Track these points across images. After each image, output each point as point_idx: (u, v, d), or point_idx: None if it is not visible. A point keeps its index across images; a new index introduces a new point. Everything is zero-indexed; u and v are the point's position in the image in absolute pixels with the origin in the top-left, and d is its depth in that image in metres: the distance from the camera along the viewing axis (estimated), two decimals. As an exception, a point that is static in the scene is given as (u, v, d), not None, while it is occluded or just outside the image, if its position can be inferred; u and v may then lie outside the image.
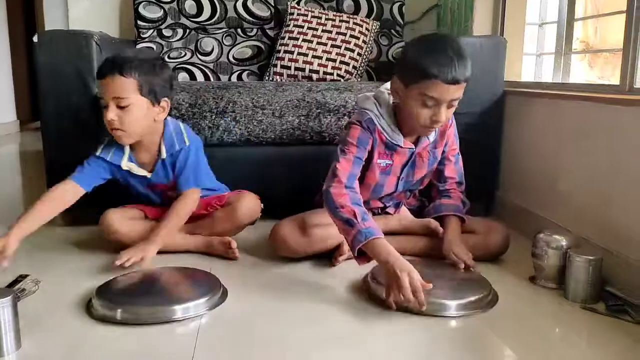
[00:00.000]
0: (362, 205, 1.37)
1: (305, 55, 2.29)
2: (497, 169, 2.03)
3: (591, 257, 1.28)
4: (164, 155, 1.58)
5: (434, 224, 1.57)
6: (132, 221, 1.60)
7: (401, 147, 1.50)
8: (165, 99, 1.54)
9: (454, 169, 1.63)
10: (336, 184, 1.38)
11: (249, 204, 1.65)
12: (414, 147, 1.52)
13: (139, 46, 2.37)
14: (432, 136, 1.54)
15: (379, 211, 1.65)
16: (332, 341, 1.13)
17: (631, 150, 1.36)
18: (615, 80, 1.59)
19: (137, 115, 1.48)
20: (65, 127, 1.79)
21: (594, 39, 2.16)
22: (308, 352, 1.08)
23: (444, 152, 1.60)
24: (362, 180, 1.50)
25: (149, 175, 1.60)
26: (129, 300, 1.24)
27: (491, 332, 1.17)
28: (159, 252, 1.56)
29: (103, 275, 1.39)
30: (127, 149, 1.58)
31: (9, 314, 1.03)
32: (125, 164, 1.58)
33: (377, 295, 1.28)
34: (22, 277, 1.39)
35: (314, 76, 2.27)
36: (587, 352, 1.11)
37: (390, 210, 1.65)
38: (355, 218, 1.30)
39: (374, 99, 1.52)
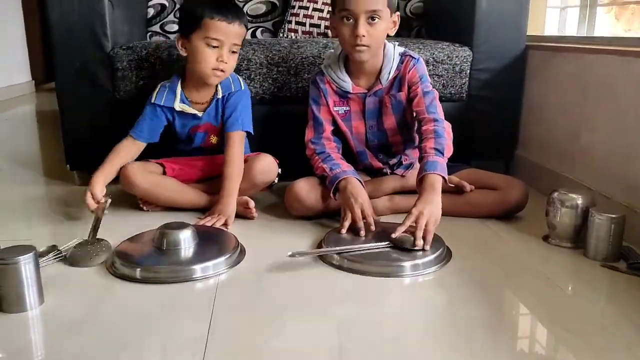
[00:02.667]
0: (333, 151, 1.55)
1: (321, 10, 2.23)
2: (518, 126, 1.99)
3: (613, 216, 1.26)
4: (220, 94, 1.63)
5: (455, 180, 1.55)
6: (152, 174, 1.60)
7: (351, 92, 1.55)
8: None
9: (422, 102, 1.52)
10: (307, 146, 1.58)
11: (265, 163, 1.64)
12: (366, 91, 1.55)
13: (151, 2, 2.32)
14: (384, 79, 1.54)
15: (388, 172, 1.64)
16: (347, 299, 1.13)
17: (659, 106, 1.32)
18: (643, 33, 1.52)
19: (236, 59, 1.60)
20: (78, 83, 1.78)
21: (622, -9, 2.07)
22: (325, 308, 1.09)
23: (409, 96, 1.56)
24: (338, 133, 1.61)
25: (200, 113, 1.64)
26: (148, 259, 1.25)
27: (509, 290, 1.17)
28: (174, 210, 1.60)
29: (122, 233, 1.40)
30: (179, 91, 1.63)
31: (31, 270, 1.05)
32: (178, 105, 1.62)
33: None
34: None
35: (329, 32, 2.22)
36: (606, 308, 1.10)
37: (399, 172, 1.63)
38: (325, 172, 1.49)
39: (330, 52, 1.62)
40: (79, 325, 1.01)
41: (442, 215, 1.35)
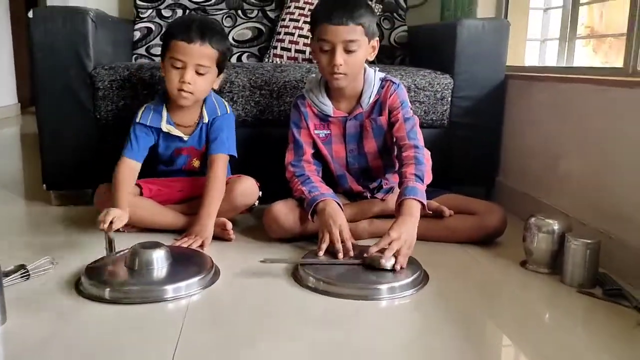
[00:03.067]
0: (313, 174, 1.54)
1: (306, 37, 2.25)
2: (498, 153, 2.00)
3: (589, 241, 1.26)
4: (206, 119, 1.63)
5: (434, 205, 1.55)
6: (128, 196, 1.56)
7: (331, 116, 1.57)
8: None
9: (403, 129, 1.52)
10: (287, 168, 1.57)
11: (246, 186, 1.63)
12: (346, 115, 1.56)
13: (137, 26, 2.34)
14: (365, 103, 1.55)
15: (368, 195, 1.64)
16: (321, 322, 1.11)
17: (632, 134, 1.33)
18: (619, 64, 1.55)
19: (209, 81, 1.58)
20: (59, 102, 1.77)
21: (599, 24, 2.12)
22: (298, 331, 1.06)
23: (390, 121, 1.56)
24: (319, 156, 1.61)
25: (185, 137, 1.64)
26: (118, 279, 1.23)
27: (485, 315, 1.15)
28: (151, 231, 1.57)
29: (94, 254, 1.37)
30: (164, 113, 1.62)
31: (-6, 288, 1.02)
32: (165, 126, 1.62)
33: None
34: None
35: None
36: (583, 336, 1.09)
37: (379, 195, 1.63)
38: (303, 194, 1.49)
39: (312, 76, 1.64)
40: (41, 346, 0.98)
41: (421, 239, 1.36)
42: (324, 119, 1.59)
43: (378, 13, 2.37)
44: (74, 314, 1.11)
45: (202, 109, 1.64)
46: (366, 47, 1.48)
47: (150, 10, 2.38)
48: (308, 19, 2.27)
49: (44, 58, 1.74)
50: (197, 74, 1.54)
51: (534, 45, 2.23)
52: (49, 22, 1.72)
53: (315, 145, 1.60)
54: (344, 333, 1.06)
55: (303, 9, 2.31)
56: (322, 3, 1.52)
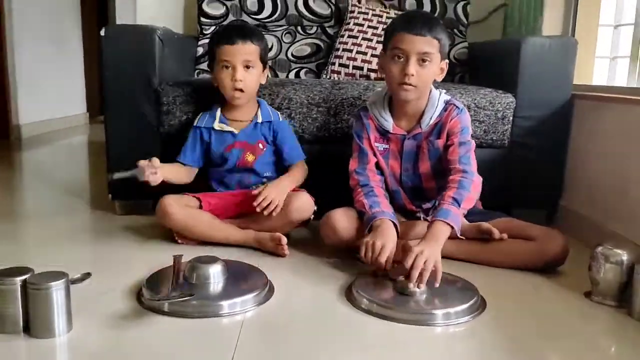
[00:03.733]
0: (377, 185, 1.55)
1: (364, 54, 2.26)
2: (562, 176, 1.93)
3: (661, 274, 1.19)
4: (259, 119, 1.74)
5: (485, 226, 1.51)
6: (188, 208, 1.62)
7: (391, 132, 1.57)
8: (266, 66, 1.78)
9: (457, 152, 1.50)
10: (351, 176, 1.59)
11: (302, 201, 1.64)
12: (405, 133, 1.56)
13: (200, 42, 2.41)
14: (425, 123, 1.54)
15: (421, 217, 1.61)
16: (374, 346, 1.09)
17: None
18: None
19: (257, 75, 1.71)
20: (126, 120, 1.85)
21: (675, 42, 2.01)
22: (350, 355, 1.05)
23: (446, 143, 1.54)
24: (378, 166, 1.61)
25: (236, 131, 1.72)
26: (177, 292, 1.24)
27: (544, 347, 1.11)
28: (211, 244, 1.60)
29: (154, 265, 1.41)
30: (218, 113, 1.75)
31: (61, 297, 1.07)
32: (217, 125, 1.73)
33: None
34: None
35: (372, 75, 2.24)
36: (652, 376, 1.03)
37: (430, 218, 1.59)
38: (364, 208, 1.48)
39: (377, 90, 1.66)
40: (102, 355, 1.02)
41: (473, 262, 1.38)
42: (383, 133, 1.59)
43: (438, 29, 2.34)
44: (134, 325, 1.15)
45: (257, 110, 1.75)
46: (438, 64, 1.48)
47: (213, 27, 2.44)
48: (366, 36, 2.31)
49: (114, 74, 1.82)
50: (246, 69, 1.67)
51: (603, 63, 2.15)
52: (120, 40, 1.81)
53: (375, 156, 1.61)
54: (397, 358, 1.04)
55: (362, 25, 2.32)
56: (401, 15, 1.57)
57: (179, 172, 1.71)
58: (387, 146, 1.60)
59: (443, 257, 1.31)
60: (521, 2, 2.30)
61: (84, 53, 5.16)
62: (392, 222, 1.44)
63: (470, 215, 1.58)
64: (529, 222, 1.56)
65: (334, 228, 1.51)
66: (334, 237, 1.53)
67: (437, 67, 1.49)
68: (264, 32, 2.43)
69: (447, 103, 1.56)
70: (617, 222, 1.60)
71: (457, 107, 1.55)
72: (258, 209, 1.58)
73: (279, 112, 1.80)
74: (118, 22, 2.81)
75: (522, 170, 1.87)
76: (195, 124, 1.75)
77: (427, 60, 1.45)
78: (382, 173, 1.62)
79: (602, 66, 2.16)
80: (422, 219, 1.62)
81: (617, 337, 1.17)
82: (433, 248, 1.29)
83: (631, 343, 1.14)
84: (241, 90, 1.67)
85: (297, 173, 1.73)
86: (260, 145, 1.74)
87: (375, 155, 1.60)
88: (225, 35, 1.69)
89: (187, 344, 1.08)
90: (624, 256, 1.27)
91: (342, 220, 1.52)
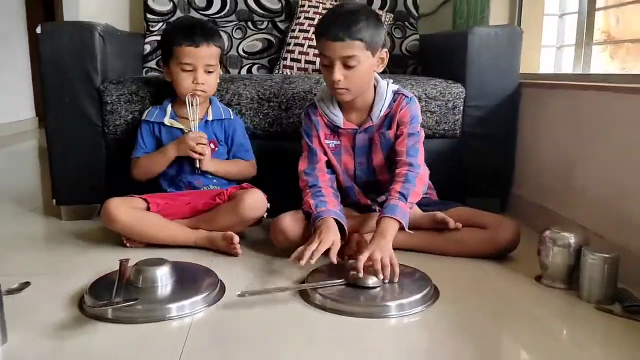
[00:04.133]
0: (326, 184, 1.52)
1: (316, 47, 2.23)
2: (513, 164, 1.95)
3: (607, 255, 1.20)
4: (210, 117, 1.71)
5: (440, 216, 1.51)
6: (134, 210, 1.57)
7: (341, 127, 1.55)
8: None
9: (405, 144, 1.50)
10: (300, 177, 1.55)
11: (254, 198, 1.60)
12: (356, 127, 1.54)
13: (147, 40, 2.34)
14: (375, 116, 1.53)
15: (376, 209, 1.60)
16: (328, 341, 1.07)
17: (652, 143, 1.28)
18: (637, 70, 1.50)
19: (217, 77, 1.70)
20: (68, 117, 1.77)
21: (616, 30, 2.06)
22: (303, 350, 1.03)
23: (397, 134, 1.54)
24: (329, 165, 1.59)
25: (186, 129, 1.66)
26: (121, 298, 1.19)
27: (498, 332, 1.11)
28: (160, 246, 1.54)
29: (99, 270, 1.35)
30: (169, 109, 1.71)
31: (-6, 307, 1.01)
32: (168, 121, 1.69)
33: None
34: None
35: (324, 69, 2.22)
36: (600, 354, 1.04)
37: None
38: (310, 208, 1.46)
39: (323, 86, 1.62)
40: (40, 366, 0.96)
41: (428, 252, 1.40)
42: (334, 129, 1.57)
43: (389, 22, 2.34)
44: (76, 334, 1.09)
45: (208, 107, 1.72)
46: (369, 61, 1.45)
47: (160, 24, 2.38)
48: (318, 30, 2.28)
49: (52, 73, 1.74)
50: (207, 72, 1.64)
51: (550, 52, 2.18)
52: (57, 38, 1.73)
53: (325, 155, 1.58)
54: (352, 352, 1.03)
55: (313, 19, 2.30)
56: (322, 18, 1.50)
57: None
58: (338, 142, 1.58)
59: (398, 248, 1.32)
60: (469, -6, 2.32)
61: (30, 56, 4.96)
62: (336, 219, 1.42)
63: (425, 205, 1.58)
64: (482, 210, 1.57)
65: (283, 232, 1.49)
66: (284, 240, 1.50)
67: (369, 64, 1.45)
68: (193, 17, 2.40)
69: (395, 93, 1.55)
70: (565, 207, 1.63)
71: (406, 96, 1.54)
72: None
73: (230, 109, 1.76)
74: (66, 20, 2.72)
75: (474, 160, 1.89)
76: (144, 117, 1.71)
77: (353, 63, 1.42)
78: (333, 171, 1.60)
79: (549, 55, 2.19)
80: (377, 210, 1.60)
81: (567, 319, 1.19)
82: (383, 246, 1.29)
83: (580, 323, 1.15)
84: (203, 91, 1.65)
85: (240, 163, 1.73)
86: (212, 145, 1.69)
87: (325, 153, 1.58)
88: (187, 34, 1.62)
89: (131, 349, 1.03)
90: (571, 239, 1.28)
91: (290, 223, 1.50)
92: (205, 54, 1.62)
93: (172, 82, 1.67)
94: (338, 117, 1.55)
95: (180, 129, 1.68)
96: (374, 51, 1.45)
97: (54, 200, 1.85)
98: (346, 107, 1.56)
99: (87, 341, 1.06)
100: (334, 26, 1.41)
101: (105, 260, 1.43)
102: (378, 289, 1.23)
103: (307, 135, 1.59)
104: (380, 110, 1.53)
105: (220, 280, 1.31)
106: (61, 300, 1.23)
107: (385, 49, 1.50)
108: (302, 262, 1.28)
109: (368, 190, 1.62)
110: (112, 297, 1.15)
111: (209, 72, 1.64)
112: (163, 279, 1.24)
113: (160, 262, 1.27)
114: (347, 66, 1.42)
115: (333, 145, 1.58)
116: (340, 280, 1.26)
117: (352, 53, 1.40)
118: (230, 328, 1.13)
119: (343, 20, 1.41)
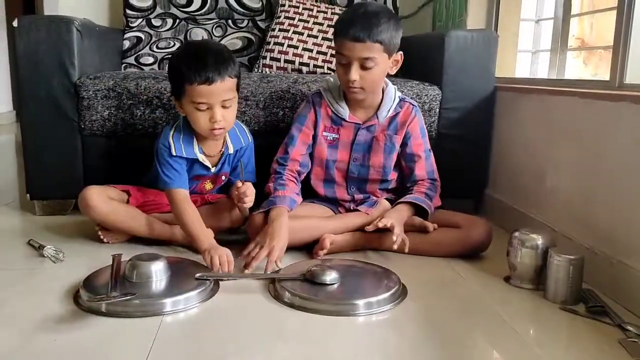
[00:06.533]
0: (290, 176, 1.54)
1: (296, 47, 2.25)
2: (487, 166, 1.99)
3: (572, 257, 1.23)
4: (231, 149, 1.59)
5: (418, 221, 1.53)
6: (111, 201, 1.54)
7: (346, 120, 1.56)
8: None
9: (424, 166, 1.60)
10: (273, 163, 1.58)
11: (235, 213, 1.61)
12: (360, 122, 1.56)
13: (126, 35, 2.33)
14: (382, 116, 1.56)
15: (351, 207, 1.62)
16: (296, 339, 1.09)
17: (617, 147, 1.31)
18: (607, 76, 1.53)
19: (236, 109, 1.52)
20: (44, 112, 1.75)
21: (590, 36, 2.11)
22: (270, 348, 1.04)
23: (406, 144, 1.59)
24: (312, 155, 1.60)
25: (213, 168, 1.59)
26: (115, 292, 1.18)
27: (463, 331, 1.13)
28: (145, 243, 1.56)
29: (80, 267, 1.35)
30: (195, 142, 1.55)
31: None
32: (200, 156, 1.55)
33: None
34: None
35: (304, 69, 2.23)
36: (563, 354, 1.06)
37: (363, 209, 1.59)
38: (269, 191, 1.50)
39: (330, 78, 1.63)
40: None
41: (406, 253, 1.43)
42: (336, 121, 1.58)
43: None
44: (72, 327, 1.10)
45: (225, 138, 1.58)
46: (385, 63, 1.47)
47: (140, 20, 2.37)
48: (298, 29, 2.29)
49: (28, 67, 1.73)
50: (224, 107, 1.47)
51: (526, 56, 2.22)
52: (34, 31, 1.72)
53: (313, 147, 1.60)
54: (320, 350, 1.04)
55: (293, 19, 2.31)
56: (343, 15, 1.50)
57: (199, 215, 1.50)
58: (336, 136, 1.59)
59: (370, 249, 1.37)
60: (448, -3, 2.35)
61: (8, 49, 4.89)
62: (288, 208, 1.47)
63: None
64: (457, 211, 1.60)
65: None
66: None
67: (385, 66, 1.48)
68: (192, 26, 2.40)
69: (401, 99, 1.60)
70: (536, 208, 1.66)
71: (412, 104, 1.60)
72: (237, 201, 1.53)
73: (245, 128, 1.66)
74: (46, 12, 2.69)
75: (449, 161, 1.90)
76: (174, 152, 1.51)
77: (371, 65, 1.43)
78: (312, 164, 1.61)
79: (524, 60, 2.23)
80: (351, 208, 1.62)
81: (533, 318, 1.21)
82: (393, 215, 1.45)
83: (546, 322, 1.18)
84: (222, 129, 1.49)
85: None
86: (223, 177, 1.66)
87: (313, 145, 1.59)
88: (198, 70, 1.41)
89: (100, 344, 1.03)
90: (539, 241, 1.31)
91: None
92: (221, 90, 1.43)
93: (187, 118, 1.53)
94: (344, 110, 1.57)
95: (206, 166, 1.58)
96: (391, 54, 1.48)
97: (28, 195, 1.83)
98: (353, 103, 1.58)
99: (82, 335, 1.07)
100: (355, 26, 1.41)
101: (79, 255, 1.43)
102: (343, 286, 1.25)
103: (300, 122, 1.59)
104: (388, 112, 1.57)
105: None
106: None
107: (401, 52, 1.52)
108: (247, 271, 1.34)
109: (353, 187, 1.63)
110: (108, 291, 1.16)
111: (226, 107, 1.47)
112: (158, 274, 1.25)
113: (155, 257, 1.28)
114: (364, 67, 1.44)
115: (331, 139, 1.59)
116: (298, 274, 1.28)
117: (371, 55, 1.42)
118: (199, 325, 1.13)
119: (365, 21, 1.41)
